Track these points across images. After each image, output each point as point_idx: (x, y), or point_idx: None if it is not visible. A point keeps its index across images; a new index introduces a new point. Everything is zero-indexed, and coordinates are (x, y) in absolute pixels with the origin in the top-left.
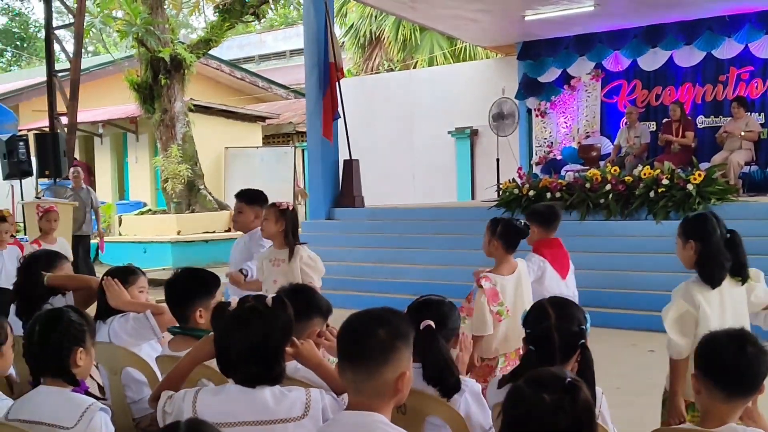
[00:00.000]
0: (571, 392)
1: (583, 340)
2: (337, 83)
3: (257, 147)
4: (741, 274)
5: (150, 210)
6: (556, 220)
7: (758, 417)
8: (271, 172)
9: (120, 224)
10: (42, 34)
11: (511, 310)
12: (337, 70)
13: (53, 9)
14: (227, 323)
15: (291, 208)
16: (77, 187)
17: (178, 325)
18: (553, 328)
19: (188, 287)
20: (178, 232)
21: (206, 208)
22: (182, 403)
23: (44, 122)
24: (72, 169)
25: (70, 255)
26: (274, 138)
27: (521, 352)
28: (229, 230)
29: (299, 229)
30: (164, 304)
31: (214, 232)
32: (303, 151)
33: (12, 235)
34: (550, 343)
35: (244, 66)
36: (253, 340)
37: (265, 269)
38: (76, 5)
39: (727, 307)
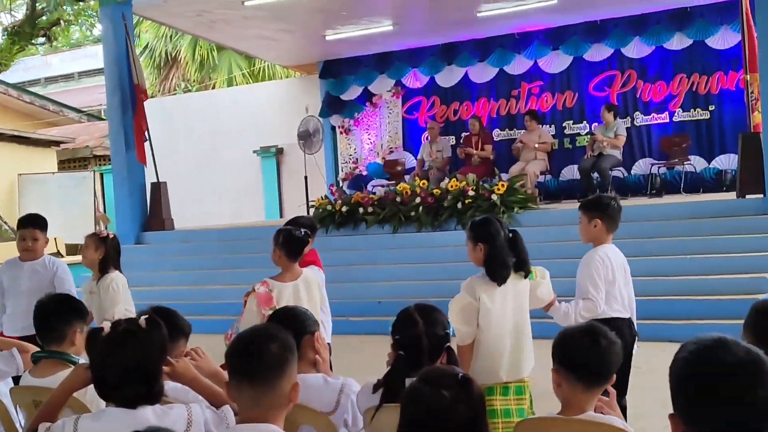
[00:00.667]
0: (465, 386)
1: (448, 343)
2: (142, 105)
3: (53, 173)
4: (523, 269)
5: None
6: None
7: (614, 406)
8: (69, 198)
9: None
10: None
11: None
12: (141, 92)
13: None
14: (102, 347)
15: (111, 235)
16: None
17: (41, 350)
18: (422, 333)
19: (63, 309)
20: None
21: (2, 238)
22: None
23: None
24: None
25: None
26: (70, 163)
27: None
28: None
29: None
30: (28, 344)
31: None
32: (102, 175)
33: None
34: (419, 347)
35: (31, 89)
36: (130, 361)
37: (86, 302)
38: None
39: (509, 299)
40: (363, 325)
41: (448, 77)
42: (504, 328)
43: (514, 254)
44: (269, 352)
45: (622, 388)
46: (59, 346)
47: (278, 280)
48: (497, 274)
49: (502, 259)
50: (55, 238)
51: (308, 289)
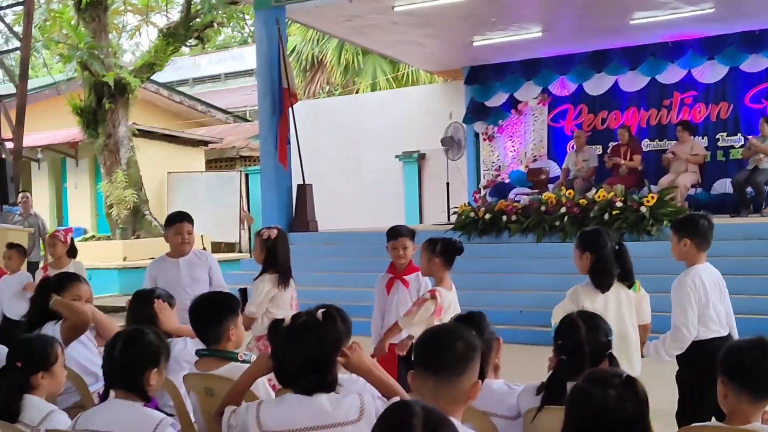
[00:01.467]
0: (630, 385)
1: (609, 350)
2: (290, 108)
3: (201, 172)
4: (627, 279)
5: (93, 236)
6: None
7: None
8: (215, 197)
9: None
10: None
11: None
12: (291, 96)
13: None
14: (283, 339)
15: (269, 236)
16: (26, 212)
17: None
18: (584, 339)
19: (216, 309)
20: (125, 258)
21: (152, 234)
22: (246, 416)
23: None
24: (21, 194)
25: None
26: (217, 162)
27: None
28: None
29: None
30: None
31: None
32: (247, 175)
33: None
34: (581, 353)
35: (179, 89)
36: (307, 352)
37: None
38: (22, 30)
39: (611, 306)
40: (503, 333)
41: (597, 85)
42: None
43: (619, 265)
44: (455, 349)
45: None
46: (218, 344)
47: (444, 289)
48: (601, 282)
49: (607, 268)
50: (201, 236)
51: (455, 305)
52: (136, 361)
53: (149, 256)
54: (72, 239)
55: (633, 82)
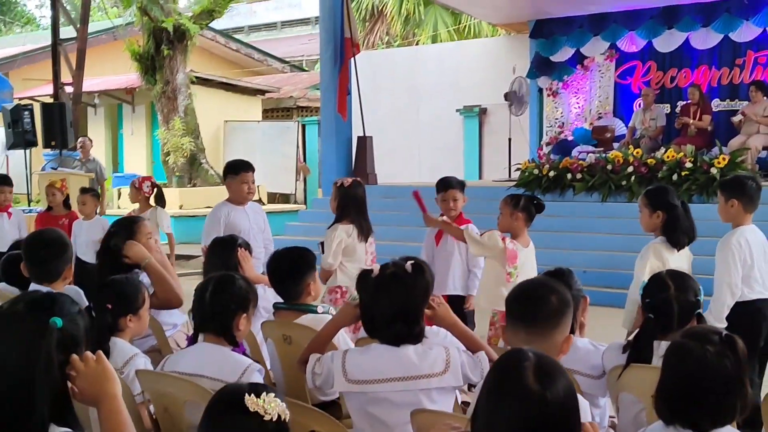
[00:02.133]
0: (729, 343)
1: (699, 309)
2: (352, 59)
3: (258, 121)
4: (691, 239)
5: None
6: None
7: None
8: (272, 147)
9: (119, 197)
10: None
11: (520, 276)
12: (353, 46)
13: None
14: (372, 289)
15: (342, 184)
16: (85, 157)
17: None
18: (673, 298)
19: (296, 265)
20: (180, 206)
21: (208, 183)
22: (331, 364)
23: (37, 91)
24: (80, 139)
25: (168, 223)
26: (273, 112)
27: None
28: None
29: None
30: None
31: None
32: (304, 126)
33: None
34: (670, 312)
35: (235, 36)
36: (395, 303)
37: None
38: None
39: (684, 266)
40: None
41: (668, 42)
42: None
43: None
44: (549, 302)
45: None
46: (297, 299)
47: (520, 243)
48: (678, 240)
49: (682, 226)
50: (258, 186)
51: (533, 262)
52: (227, 306)
53: (205, 205)
54: (158, 188)
55: (705, 39)
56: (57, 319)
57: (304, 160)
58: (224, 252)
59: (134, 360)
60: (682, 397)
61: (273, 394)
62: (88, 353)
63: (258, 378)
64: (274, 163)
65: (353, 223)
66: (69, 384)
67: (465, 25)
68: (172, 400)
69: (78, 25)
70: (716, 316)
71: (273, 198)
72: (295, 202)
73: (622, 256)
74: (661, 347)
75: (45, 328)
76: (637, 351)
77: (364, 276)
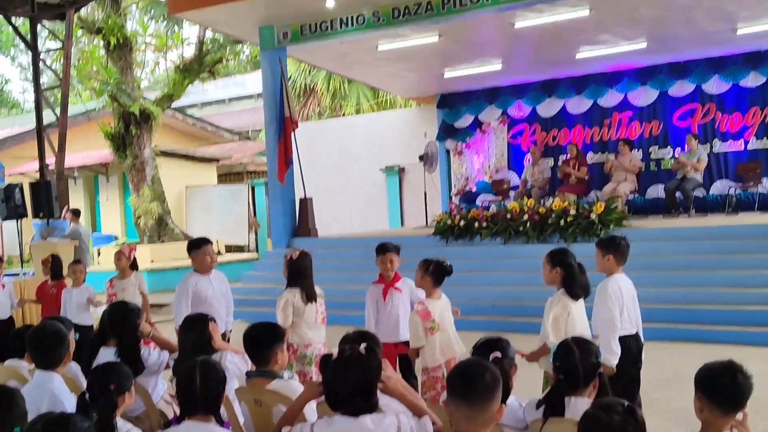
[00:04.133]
0: (631, 412)
1: (600, 369)
2: (292, 133)
3: (214, 185)
4: (587, 292)
5: (123, 242)
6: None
7: (747, 426)
8: (226, 206)
9: (99, 255)
10: (10, 88)
11: (441, 326)
12: (293, 123)
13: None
14: (333, 370)
15: (290, 257)
16: (76, 223)
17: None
18: (578, 361)
19: (266, 337)
20: (152, 261)
21: (174, 239)
22: None
23: (24, 167)
24: (69, 210)
25: (145, 286)
26: (227, 176)
27: (455, 362)
28: None
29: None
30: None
31: (182, 259)
32: (253, 187)
33: None
34: (576, 373)
35: (189, 112)
36: (354, 381)
37: None
38: (61, 69)
39: (581, 313)
40: (479, 324)
41: (549, 108)
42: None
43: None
44: (484, 379)
45: (631, 393)
46: (266, 366)
47: (432, 299)
48: (575, 293)
49: (577, 281)
50: (216, 240)
51: (449, 309)
52: (216, 390)
53: (173, 258)
54: (134, 255)
55: (579, 105)
56: None
57: (255, 215)
58: (197, 328)
59: None
60: None
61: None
62: None
63: None
64: (229, 220)
65: (299, 288)
66: None
67: (383, 99)
68: None
69: (58, 113)
70: (608, 351)
71: (229, 249)
72: (249, 251)
73: (523, 290)
74: (571, 402)
75: None
76: (552, 406)
77: (325, 359)
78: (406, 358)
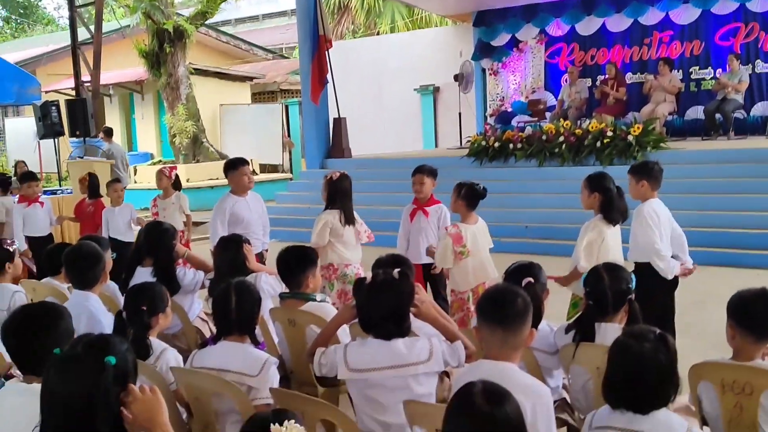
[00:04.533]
0: (663, 340)
1: (630, 296)
2: (326, 52)
3: (248, 104)
4: (625, 217)
5: (159, 161)
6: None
7: None
8: (260, 126)
9: (135, 173)
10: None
11: (472, 251)
12: (326, 41)
13: None
14: (366, 293)
15: (330, 178)
16: (109, 142)
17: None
18: (607, 287)
19: (299, 260)
20: (187, 180)
21: (209, 159)
22: (335, 356)
23: (59, 85)
24: (107, 128)
25: (187, 205)
26: (260, 95)
27: (486, 286)
28: None
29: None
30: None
31: (217, 179)
32: (287, 106)
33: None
34: (605, 300)
35: (222, 28)
36: (386, 305)
37: None
38: None
39: (618, 239)
40: (511, 246)
41: (587, 26)
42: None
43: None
44: (517, 305)
45: (665, 320)
46: (299, 288)
47: (467, 223)
48: (613, 218)
49: (615, 206)
50: (250, 159)
51: (484, 233)
52: (250, 311)
53: (208, 177)
54: (176, 175)
55: (618, 23)
56: (111, 357)
57: (289, 135)
58: (232, 249)
59: (165, 354)
60: (625, 386)
61: (293, 420)
62: (144, 385)
63: (275, 370)
64: (263, 140)
65: (339, 210)
66: (123, 411)
67: (418, 17)
68: (202, 392)
69: (93, 30)
70: (664, 272)
71: (264, 169)
72: (283, 171)
73: (557, 213)
74: (601, 328)
75: (102, 367)
76: (582, 332)
77: (359, 283)
78: (434, 279)
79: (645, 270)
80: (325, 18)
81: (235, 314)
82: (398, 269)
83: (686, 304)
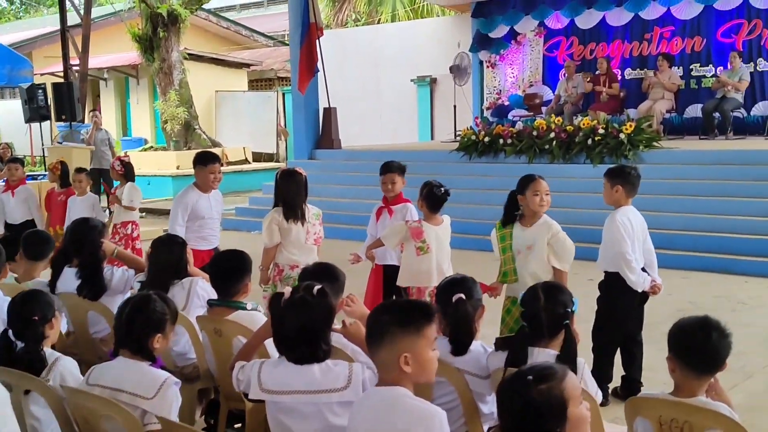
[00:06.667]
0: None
1: (567, 320)
2: (317, 40)
3: (244, 91)
4: None
5: (152, 147)
6: None
7: (720, 391)
8: (256, 114)
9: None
10: None
11: (433, 250)
12: (318, 29)
13: None
14: (279, 310)
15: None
16: (97, 128)
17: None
18: (542, 309)
19: (234, 268)
20: (178, 167)
21: (201, 146)
22: (250, 373)
23: (55, 67)
24: (91, 113)
25: (131, 198)
26: (257, 83)
27: (424, 292)
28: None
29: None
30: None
31: None
32: (284, 94)
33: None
34: (539, 322)
35: (226, 14)
36: (298, 324)
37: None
38: None
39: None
40: None
41: (587, 20)
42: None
43: None
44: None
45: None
46: (233, 296)
47: (430, 223)
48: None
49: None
50: (244, 147)
51: (446, 234)
52: (142, 328)
53: None
54: (125, 166)
55: (619, 17)
56: None
57: (284, 125)
58: (176, 251)
59: (57, 363)
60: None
61: None
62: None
63: (175, 391)
64: (258, 128)
65: (283, 207)
66: None
67: (419, 6)
68: (91, 412)
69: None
70: (636, 284)
71: (258, 157)
72: (277, 161)
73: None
74: (534, 353)
75: None
76: (513, 355)
77: (275, 298)
78: (393, 279)
79: (614, 280)
80: (316, 6)
81: (125, 327)
82: (318, 286)
83: (667, 313)
